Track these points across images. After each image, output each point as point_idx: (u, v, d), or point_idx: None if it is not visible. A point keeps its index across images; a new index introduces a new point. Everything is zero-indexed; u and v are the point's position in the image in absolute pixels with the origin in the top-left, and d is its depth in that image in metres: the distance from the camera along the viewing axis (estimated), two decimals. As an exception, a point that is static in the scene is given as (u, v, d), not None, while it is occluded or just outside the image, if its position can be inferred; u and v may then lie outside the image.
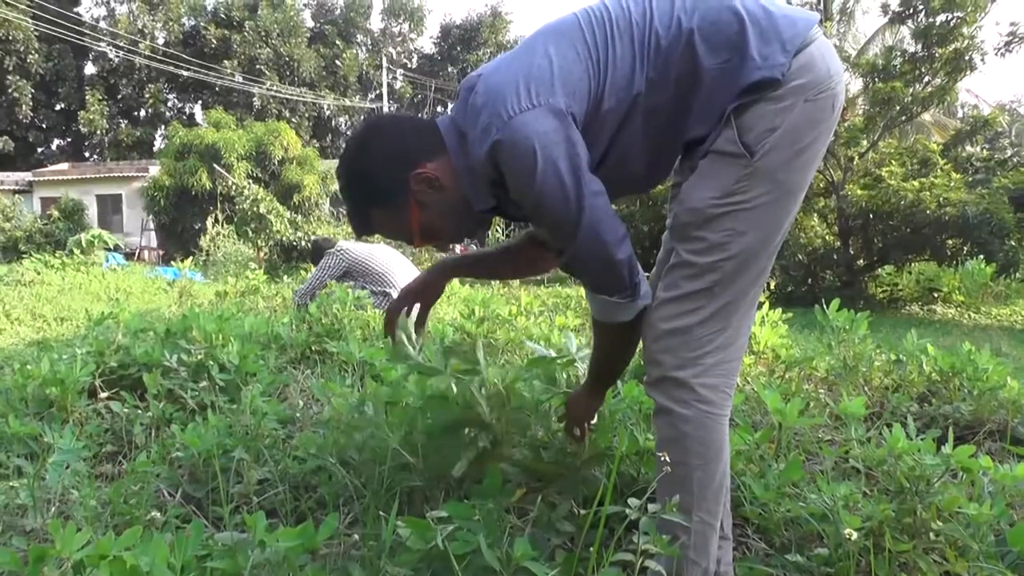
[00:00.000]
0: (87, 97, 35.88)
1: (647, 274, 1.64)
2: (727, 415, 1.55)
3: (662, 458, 1.43)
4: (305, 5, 42.15)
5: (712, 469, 1.52)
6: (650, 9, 1.50)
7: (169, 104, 40.00)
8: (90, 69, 39.24)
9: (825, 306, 3.39)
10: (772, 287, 12.46)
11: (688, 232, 1.51)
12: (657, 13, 1.49)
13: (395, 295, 5.33)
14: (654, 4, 1.51)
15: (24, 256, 14.88)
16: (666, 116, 1.51)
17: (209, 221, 18.79)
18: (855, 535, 1.54)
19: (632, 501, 1.36)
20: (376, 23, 50.08)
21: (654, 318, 1.56)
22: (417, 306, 1.94)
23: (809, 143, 1.46)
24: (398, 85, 44.70)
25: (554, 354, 2.15)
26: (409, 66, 46.39)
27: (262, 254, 17.15)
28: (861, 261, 12.09)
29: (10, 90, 34.20)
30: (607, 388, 1.97)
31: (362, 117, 42.35)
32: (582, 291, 8.01)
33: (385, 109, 39.46)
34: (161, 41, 37.29)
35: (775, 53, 1.42)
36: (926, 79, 11.49)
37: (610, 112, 1.50)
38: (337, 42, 41.34)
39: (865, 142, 12.04)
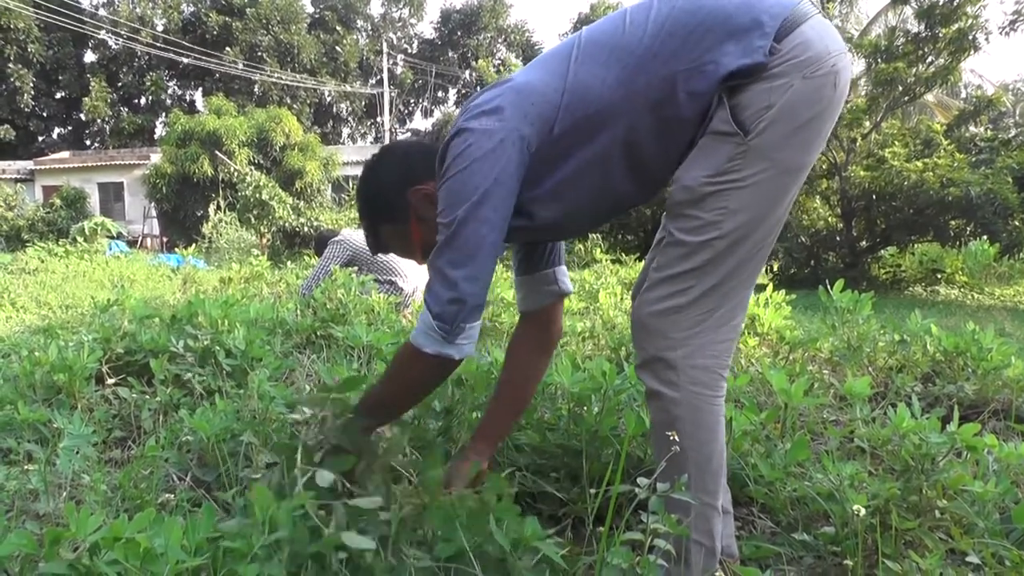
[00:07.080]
0: (90, 85, 35.79)
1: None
2: (720, 396, 1.54)
3: (671, 438, 1.43)
4: (305, -9, 41.93)
5: (708, 451, 1.51)
6: (624, 23, 1.54)
7: (170, 91, 39.84)
8: (90, 57, 39.13)
9: (828, 287, 3.39)
10: (775, 269, 12.49)
11: (681, 210, 1.51)
12: (630, 27, 1.52)
13: (400, 283, 5.30)
14: (628, 18, 1.55)
15: (27, 245, 14.89)
16: (653, 117, 1.50)
17: (211, 208, 18.84)
18: (863, 511, 1.54)
19: (641, 481, 1.36)
20: (376, 8, 50.02)
21: (644, 298, 1.56)
22: None
23: (808, 121, 1.45)
24: (399, 70, 44.53)
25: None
26: (410, 51, 46.20)
27: (264, 240, 17.17)
28: (864, 242, 12.09)
29: (11, 79, 34.14)
30: (370, 422, 1.74)
31: (363, 104, 42.29)
32: (585, 274, 8.03)
33: (386, 95, 39.32)
34: (161, 28, 37.16)
35: (753, 39, 1.43)
36: (929, 59, 11.44)
37: (572, 127, 1.53)
38: (337, 28, 41.16)
39: (868, 123, 12.00)
